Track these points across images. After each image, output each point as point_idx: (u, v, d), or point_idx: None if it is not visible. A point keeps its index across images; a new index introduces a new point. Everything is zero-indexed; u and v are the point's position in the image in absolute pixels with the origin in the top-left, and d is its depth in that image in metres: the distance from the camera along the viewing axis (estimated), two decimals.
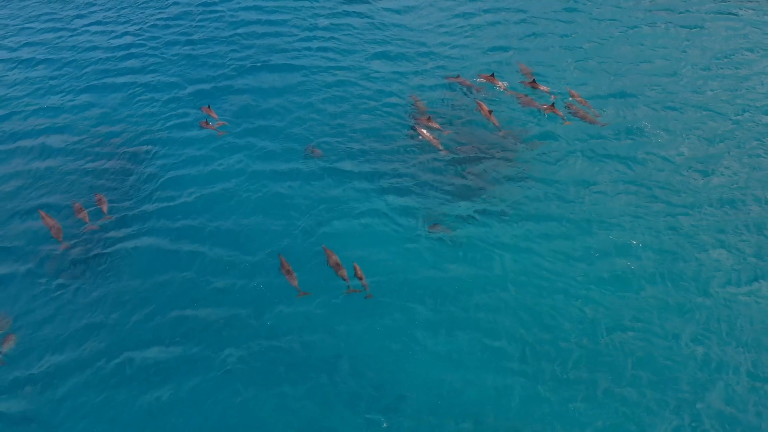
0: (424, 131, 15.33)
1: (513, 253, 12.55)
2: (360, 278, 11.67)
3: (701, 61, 18.37)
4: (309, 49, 19.45)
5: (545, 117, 15.94)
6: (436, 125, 15.62)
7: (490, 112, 15.66)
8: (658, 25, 20.38)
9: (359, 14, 21.54)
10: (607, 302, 11.58)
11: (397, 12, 21.78)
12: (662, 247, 12.65)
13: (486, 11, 21.58)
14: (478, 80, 17.44)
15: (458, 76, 17.60)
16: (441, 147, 15.02)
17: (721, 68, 18.02)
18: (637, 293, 11.75)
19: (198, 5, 22.39)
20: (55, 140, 16.03)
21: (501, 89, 17.02)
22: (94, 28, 21.17)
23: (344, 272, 11.76)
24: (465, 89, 17.23)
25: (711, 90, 17.12)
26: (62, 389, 10.50)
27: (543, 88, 16.73)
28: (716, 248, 12.60)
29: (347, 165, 14.81)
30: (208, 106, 16.37)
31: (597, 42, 19.48)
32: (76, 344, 11.18)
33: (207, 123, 15.84)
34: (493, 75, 17.25)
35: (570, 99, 16.33)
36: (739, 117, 16.08)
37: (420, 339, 11.02)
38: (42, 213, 13.52)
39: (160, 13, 21.89)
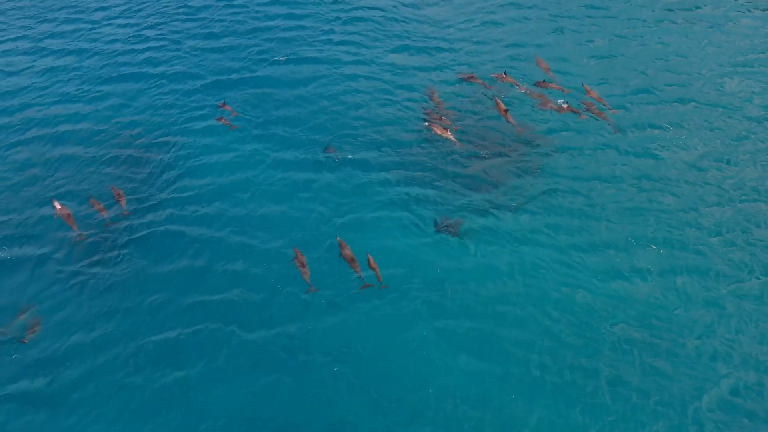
0: (437, 127, 15.34)
1: (526, 247, 12.59)
2: (374, 269, 11.73)
3: (720, 60, 18.20)
4: (329, 42, 19.53)
5: (560, 116, 15.87)
6: (447, 121, 15.63)
7: (506, 110, 15.61)
8: (678, 22, 20.21)
9: (380, 9, 21.53)
10: (622, 297, 11.58)
11: (417, 7, 21.76)
12: (676, 243, 12.62)
13: (507, 8, 21.49)
14: (492, 76, 17.42)
15: (472, 75, 17.59)
16: (454, 140, 15.01)
17: (741, 66, 17.84)
18: (653, 289, 11.73)
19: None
20: (74, 130, 16.27)
21: (515, 87, 16.97)
22: (116, 21, 21.34)
23: (357, 266, 11.81)
24: (481, 85, 17.21)
25: (729, 88, 16.97)
26: (80, 370, 10.76)
27: (555, 86, 16.61)
28: (730, 246, 12.53)
29: (363, 158, 14.88)
30: (224, 102, 16.51)
31: (616, 39, 19.38)
32: (94, 328, 11.43)
33: (222, 118, 16.00)
34: (505, 73, 17.21)
35: (586, 96, 16.25)
36: (757, 115, 15.92)
37: (430, 333, 11.09)
38: (55, 202, 13.68)
39: (181, 6, 22.02)
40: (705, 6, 21.10)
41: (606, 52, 18.75)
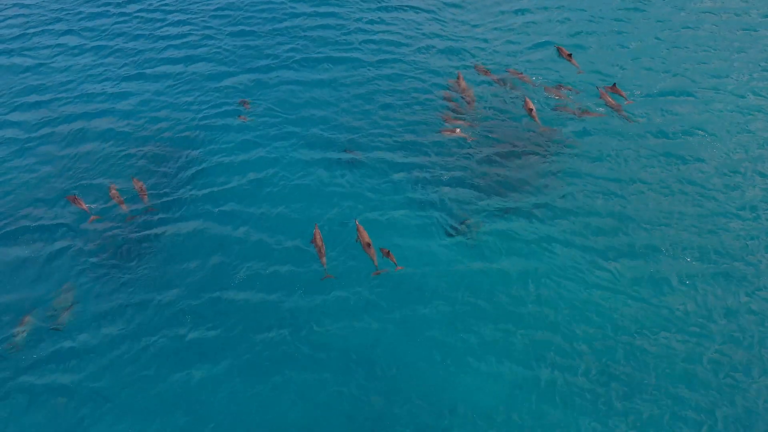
0: (447, 131, 15.21)
1: (544, 251, 12.36)
2: (387, 254, 11.67)
3: (751, 64, 17.72)
4: (356, 41, 19.34)
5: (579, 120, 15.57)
6: (465, 116, 15.53)
7: (532, 109, 15.34)
8: (711, 25, 19.71)
9: (411, 8, 21.31)
10: (645, 304, 11.32)
11: (448, 5, 21.51)
12: (708, 250, 12.31)
13: (543, 8, 21.10)
14: (507, 71, 17.31)
15: (488, 71, 17.42)
16: (465, 135, 14.91)
17: None
18: (676, 296, 11.44)
19: None
20: (98, 125, 16.25)
21: (530, 85, 16.75)
22: (144, 15, 21.35)
23: (373, 252, 11.73)
24: (507, 83, 16.94)
25: (759, 92, 16.53)
26: (105, 360, 10.87)
27: (568, 89, 16.30)
28: (758, 251, 12.13)
29: (383, 158, 14.71)
30: (245, 100, 16.52)
31: (648, 41, 18.96)
32: (108, 322, 11.46)
33: (243, 116, 16.00)
34: (521, 73, 17.12)
35: (602, 88, 16.05)
36: None
37: (442, 335, 10.97)
38: (70, 197, 13.70)
39: (208, 2, 21.97)
40: (739, 11, 20.58)
41: (636, 53, 18.36)
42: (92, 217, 13.29)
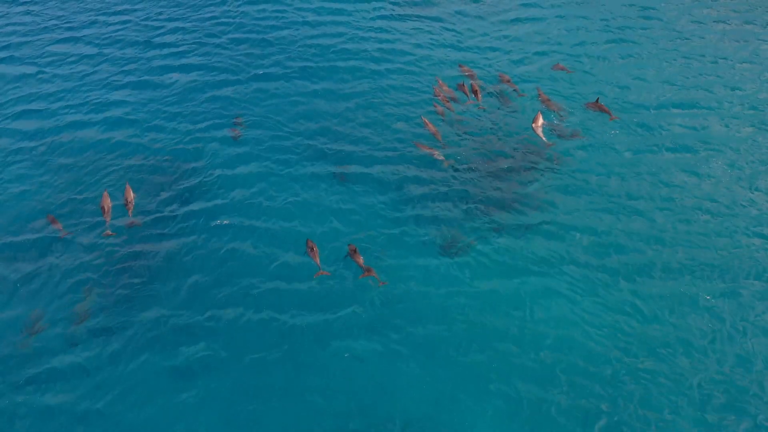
0: (423, 146, 15.04)
1: (538, 270, 12.19)
2: (368, 271, 11.79)
3: (758, 75, 17.55)
4: (353, 52, 19.14)
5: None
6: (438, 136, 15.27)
7: (540, 126, 15.07)
8: (715, 35, 19.49)
9: (408, 17, 21.08)
10: (649, 324, 11.17)
11: (451, 17, 21.25)
12: (706, 267, 12.18)
13: (558, 19, 20.84)
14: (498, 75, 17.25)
15: (473, 74, 17.34)
16: (443, 158, 14.70)
17: None
18: (684, 317, 11.25)
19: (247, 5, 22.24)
20: (81, 138, 16.01)
21: (517, 95, 16.68)
22: (137, 24, 21.16)
23: (360, 259, 11.95)
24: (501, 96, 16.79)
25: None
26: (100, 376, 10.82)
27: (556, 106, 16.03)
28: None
29: (377, 173, 14.56)
30: (239, 117, 16.31)
31: (656, 52, 18.78)
32: (108, 337, 11.42)
33: (236, 130, 15.87)
34: (511, 80, 17.04)
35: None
36: None
37: (435, 359, 10.83)
38: (49, 217, 13.50)
39: (201, 11, 21.72)
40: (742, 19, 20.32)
41: (639, 65, 18.20)
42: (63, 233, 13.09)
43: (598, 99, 15.92)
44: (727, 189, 13.83)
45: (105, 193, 13.68)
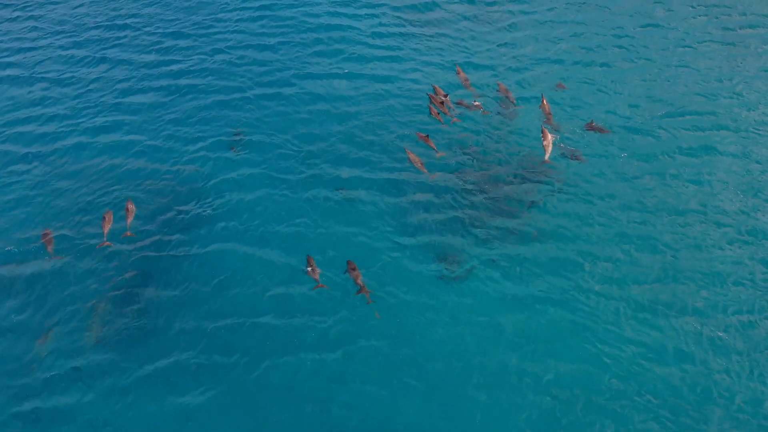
0: (411, 153, 14.83)
1: (539, 300, 11.99)
2: (363, 288, 11.82)
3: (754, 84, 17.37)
4: (353, 65, 18.97)
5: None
6: (431, 143, 15.13)
7: (548, 143, 14.82)
8: (718, 45, 19.23)
9: (417, 30, 20.90)
10: (658, 359, 10.93)
11: (462, 27, 21.07)
12: (717, 283, 12.04)
13: (561, 30, 20.51)
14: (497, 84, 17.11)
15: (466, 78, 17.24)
16: (425, 170, 14.49)
17: None
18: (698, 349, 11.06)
19: (238, 12, 22.03)
20: (88, 155, 15.96)
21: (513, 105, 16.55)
22: (134, 36, 20.96)
23: (358, 275, 11.96)
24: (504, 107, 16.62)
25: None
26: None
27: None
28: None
29: (378, 194, 14.43)
30: (239, 131, 16.18)
31: (660, 64, 18.51)
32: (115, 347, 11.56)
33: (233, 148, 15.81)
34: (509, 91, 16.88)
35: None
36: None
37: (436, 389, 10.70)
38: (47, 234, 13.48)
39: (205, 26, 21.47)
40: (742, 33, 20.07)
41: (642, 73, 17.98)
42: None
43: (592, 121, 15.72)
44: (740, 211, 13.63)
45: (109, 212, 13.71)
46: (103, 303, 12.15)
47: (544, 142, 14.60)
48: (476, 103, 16.39)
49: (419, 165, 14.47)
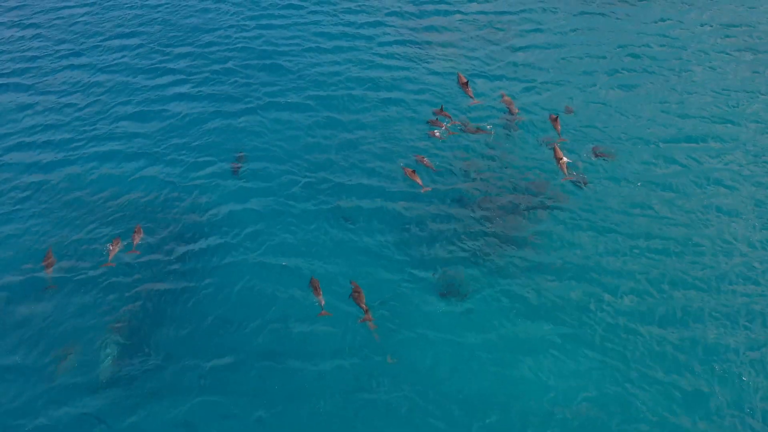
0: (408, 170, 14.88)
1: (544, 319, 11.80)
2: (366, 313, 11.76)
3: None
4: (356, 81, 18.78)
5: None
6: (428, 163, 15.16)
7: (562, 159, 14.66)
8: (723, 65, 18.84)
9: (423, 45, 20.72)
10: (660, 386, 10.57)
11: (468, 42, 20.85)
12: (727, 318, 11.64)
13: (570, 47, 20.26)
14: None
15: (466, 81, 17.54)
16: (421, 184, 14.54)
17: None
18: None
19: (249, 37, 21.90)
20: (90, 173, 15.83)
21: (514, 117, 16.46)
22: (143, 51, 20.84)
23: (362, 299, 11.91)
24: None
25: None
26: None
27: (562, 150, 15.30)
28: None
29: (378, 214, 14.28)
30: (242, 153, 16.03)
31: (671, 83, 18.18)
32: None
33: (236, 165, 15.68)
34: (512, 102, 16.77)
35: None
36: None
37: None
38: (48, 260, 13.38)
39: (207, 39, 21.30)
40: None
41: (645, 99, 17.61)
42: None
43: (597, 146, 15.39)
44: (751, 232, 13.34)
45: (117, 238, 13.68)
46: (106, 334, 11.95)
47: (560, 162, 14.45)
48: (489, 127, 16.25)
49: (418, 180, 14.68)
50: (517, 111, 16.61)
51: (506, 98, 17.09)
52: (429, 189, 14.55)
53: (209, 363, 11.43)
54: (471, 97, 17.24)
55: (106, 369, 11.40)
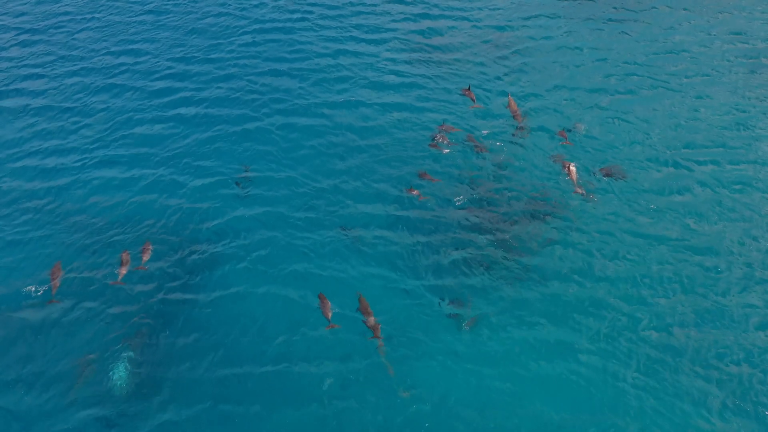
0: (413, 191, 14.90)
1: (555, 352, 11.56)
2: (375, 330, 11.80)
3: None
4: (363, 94, 18.66)
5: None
6: (431, 178, 15.20)
7: (571, 172, 14.66)
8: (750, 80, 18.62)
9: (429, 60, 20.53)
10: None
11: (474, 58, 20.67)
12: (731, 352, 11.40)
13: (579, 62, 20.03)
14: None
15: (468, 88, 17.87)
16: (419, 196, 14.70)
17: None
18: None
19: (247, 40, 21.72)
20: (92, 193, 15.66)
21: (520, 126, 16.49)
22: (146, 65, 20.59)
23: (372, 320, 11.93)
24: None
25: None
26: None
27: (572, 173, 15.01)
28: None
29: (383, 234, 14.13)
30: (247, 168, 15.95)
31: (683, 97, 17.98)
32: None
33: (238, 183, 15.63)
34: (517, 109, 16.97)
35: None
36: None
37: None
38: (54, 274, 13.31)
39: (211, 52, 21.14)
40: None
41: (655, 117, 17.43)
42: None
43: (607, 166, 15.22)
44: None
45: (126, 252, 13.66)
46: (121, 348, 11.95)
47: (570, 176, 14.47)
48: (498, 144, 16.25)
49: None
50: (522, 119, 16.54)
51: (512, 103, 17.07)
52: (427, 198, 14.56)
53: (221, 372, 11.51)
54: (473, 101, 17.36)
55: (122, 381, 11.44)
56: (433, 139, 16.36)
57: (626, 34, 21.06)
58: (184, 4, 24.09)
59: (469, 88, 17.88)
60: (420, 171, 15.49)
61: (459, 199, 14.77)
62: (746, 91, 17.96)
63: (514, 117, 16.75)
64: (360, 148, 16.51)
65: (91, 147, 17.00)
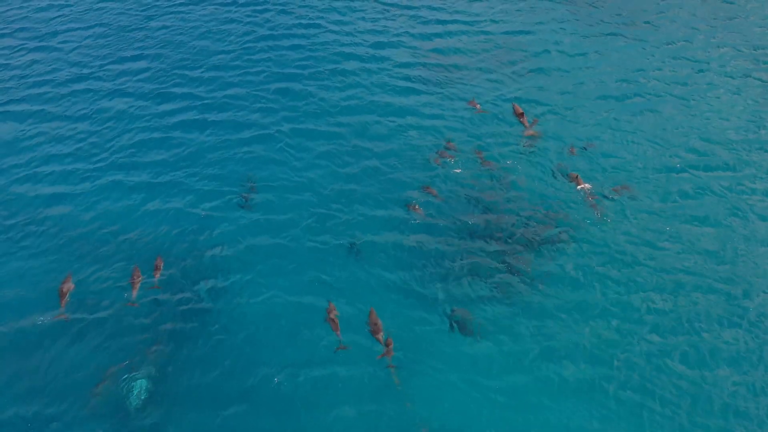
0: (415, 208, 14.97)
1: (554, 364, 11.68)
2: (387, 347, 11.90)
3: None
4: (367, 107, 18.64)
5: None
6: (433, 192, 15.30)
7: (583, 187, 14.82)
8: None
9: (437, 69, 20.56)
10: None
11: (482, 69, 20.67)
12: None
13: (585, 74, 20.01)
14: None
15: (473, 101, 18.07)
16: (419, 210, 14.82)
17: None
18: None
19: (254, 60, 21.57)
20: (97, 206, 15.65)
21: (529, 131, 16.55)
22: (150, 75, 20.56)
23: (381, 336, 12.04)
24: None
25: None
26: None
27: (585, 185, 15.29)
28: None
29: (391, 247, 14.22)
30: (253, 184, 15.96)
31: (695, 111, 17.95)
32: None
33: (246, 197, 15.67)
34: (522, 114, 17.18)
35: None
36: None
37: None
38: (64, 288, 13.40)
39: (214, 63, 21.11)
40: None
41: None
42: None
43: (622, 185, 15.24)
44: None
45: (136, 269, 13.75)
46: (135, 364, 12.11)
47: (586, 194, 14.67)
48: (509, 162, 16.30)
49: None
50: (528, 124, 16.59)
51: (518, 110, 17.19)
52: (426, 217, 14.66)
53: (236, 385, 11.66)
54: (526, 126, 17.07)
55: (139, 395, 11.59)
56: (439, 155, 16.44)
57: (634, 40, 21.07)
58: (190, 11, 24.14)
59: (474, 100, 18.02)
60: (424, 186, 15.56)
61: (466, 214, 14.83)
62: (753, 101, 17.93)
63: (521, 122, 16.76)
64: (367, 162, 16.51)
65: (93, 164, 16.86)
